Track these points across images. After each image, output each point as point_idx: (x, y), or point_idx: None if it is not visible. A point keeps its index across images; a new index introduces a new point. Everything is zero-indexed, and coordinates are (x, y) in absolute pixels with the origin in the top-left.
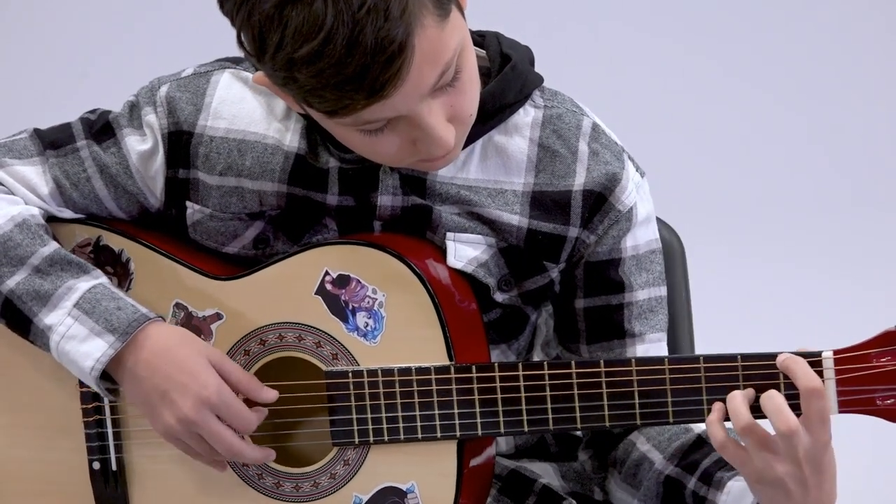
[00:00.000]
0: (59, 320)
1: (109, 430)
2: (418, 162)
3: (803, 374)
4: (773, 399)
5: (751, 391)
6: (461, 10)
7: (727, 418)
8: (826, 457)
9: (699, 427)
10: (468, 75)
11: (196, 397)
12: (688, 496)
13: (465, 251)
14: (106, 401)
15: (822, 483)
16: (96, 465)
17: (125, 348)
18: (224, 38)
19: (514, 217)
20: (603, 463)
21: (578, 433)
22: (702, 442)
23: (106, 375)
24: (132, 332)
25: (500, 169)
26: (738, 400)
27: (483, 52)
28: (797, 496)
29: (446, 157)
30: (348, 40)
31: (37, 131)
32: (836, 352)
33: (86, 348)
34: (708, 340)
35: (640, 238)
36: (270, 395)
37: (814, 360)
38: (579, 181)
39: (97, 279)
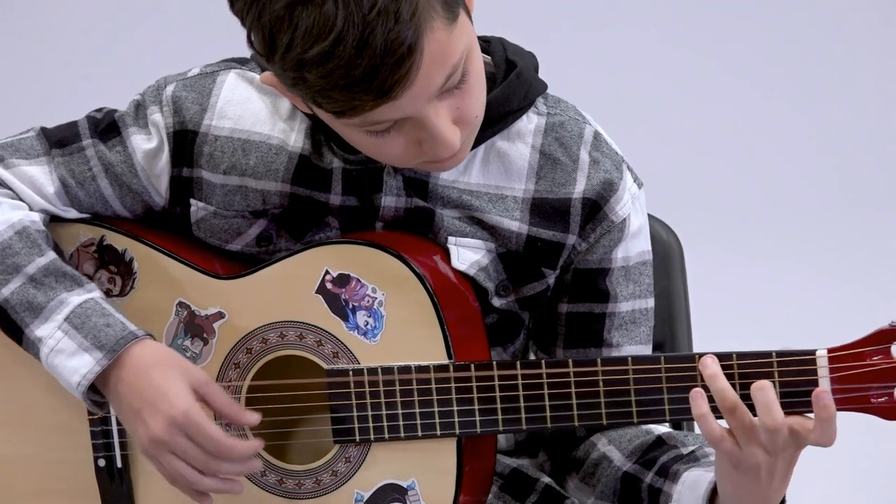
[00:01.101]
0: (48, 333)
1: (114, 428)
2: (425, 163)
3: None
4: (765, 392)
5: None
6: (468, 13)
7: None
8: (798, 454)
9: (660, 429)
10: (475, 78)
11: (165, 416)
12: (643, 490)
13: (467, 255)
14: None
15: (786, 476)
16: (101, 463)
17: (110, 366)
18: (228, 38)
19: (514, 223)
20: (559, 465)
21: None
22: (661, 441)
23: (95, 388)
24: (119, 349)
25: (502, 175)
26: (725, 382)
27: (488, 58)
28: (764, 483)
29: (453, 159)
30: (358, 42)
31: (43, 130)
32: (830, 350)
33: (73, 363)
34: (706, 340)
35: (632, 250)
36: (252, 419)
37: (808, 358)
38: (579, 189)
39: (90, 293)
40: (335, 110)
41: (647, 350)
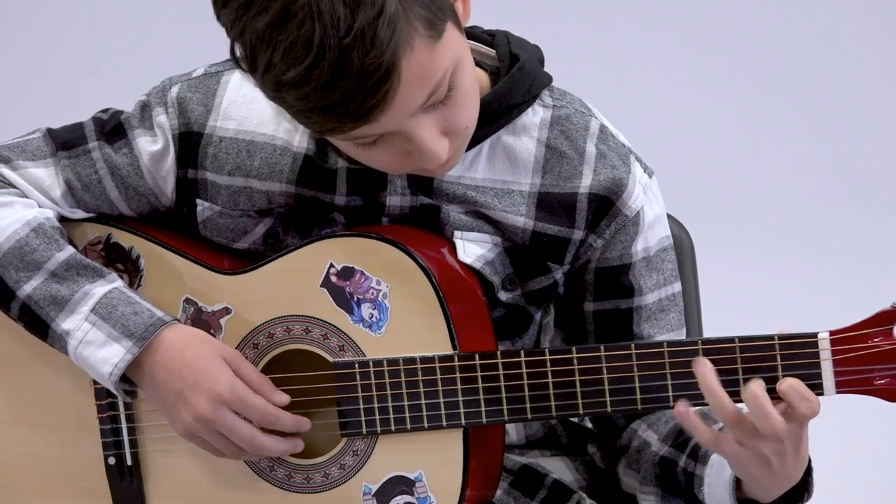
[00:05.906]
0: (76, 326)
1: (124, 426)
2: (419, 169)
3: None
4: (757, 400)
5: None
6: (459, 26)
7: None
8: (804, 429)
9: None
10: (463, 90)
11: (209, 394)
12: (679, 473)
13: (473, 248)
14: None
15: (799, 449)
16: (112, 461)
17: (142, 352)
18: None
19: (520, 219)
20: (610, 454)
21: (588, 424)
22: None
23: (125, 378)
24: (149, 336)
25: (508, 169)
26: (721, 394)
27: (492, 52)
28: (777, 467)
29: (444, 167)
30: (334, 66)
31: (49, 131)
32: (832, 332)
33: (103, 354)
34: (716, 335)
35: (651, 240)
36: (283, 398)
37: (810, 340)
38: (585, 183)
39: (113, 283)
40: (316, 130)
41: (680, 337)
